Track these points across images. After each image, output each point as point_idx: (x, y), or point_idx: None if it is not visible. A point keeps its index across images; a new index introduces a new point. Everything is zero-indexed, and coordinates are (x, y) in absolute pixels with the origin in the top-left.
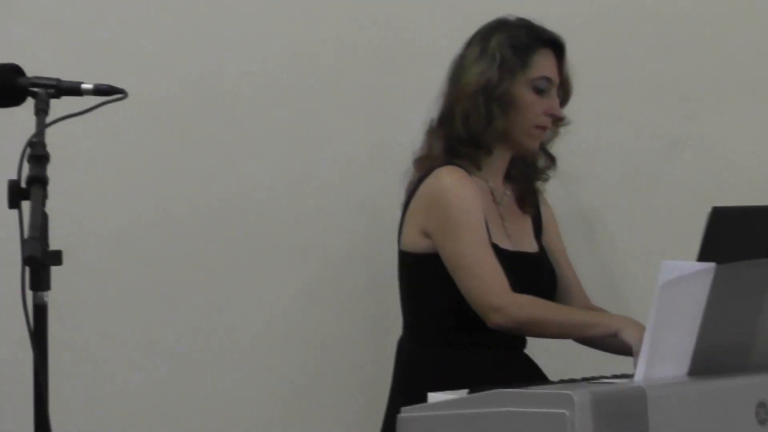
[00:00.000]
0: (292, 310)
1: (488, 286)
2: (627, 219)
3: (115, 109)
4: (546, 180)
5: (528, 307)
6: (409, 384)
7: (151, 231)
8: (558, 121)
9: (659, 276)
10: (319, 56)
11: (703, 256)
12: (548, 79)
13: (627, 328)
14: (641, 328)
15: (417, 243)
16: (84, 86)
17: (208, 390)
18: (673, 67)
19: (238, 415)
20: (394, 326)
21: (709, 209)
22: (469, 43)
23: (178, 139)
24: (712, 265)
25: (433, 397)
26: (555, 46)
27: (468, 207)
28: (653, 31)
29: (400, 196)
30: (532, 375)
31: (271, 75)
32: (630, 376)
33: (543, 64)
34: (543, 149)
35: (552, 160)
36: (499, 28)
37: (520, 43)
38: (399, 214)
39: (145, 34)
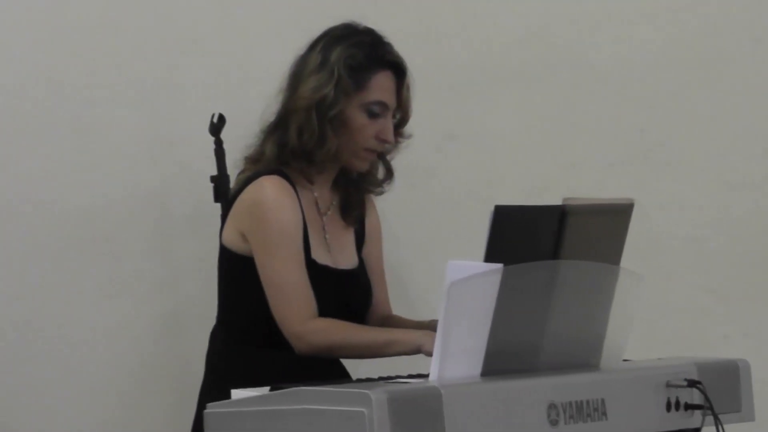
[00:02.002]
0: (93, 306)
1: (292, 311)
2: (406, 216)
3: None
4: (381, 193)
5: (327, 333)
6: (218, 377)
7: None
8: (389, 144)
9: (446, 276)
10: None
11: (489, 256)
12: (383, 104)
13: (427, 343)
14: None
15: (236, 243)
16: None
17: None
18: (441, 57)
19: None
20: (199, 320)
21: (486, 203)
22: (312, 48)
23: None
24: (499, 265)
25: (236, 393)
26: (395, 68)
27: (285, 223)
28: (419, 23)
29: (186, 192)
30: (337, 374)
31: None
32: (426, 376)
33: (380, 88)
34: (383, 161)
35: (390, 173)
36: (342, 39)
37: (358, 64)
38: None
39: None
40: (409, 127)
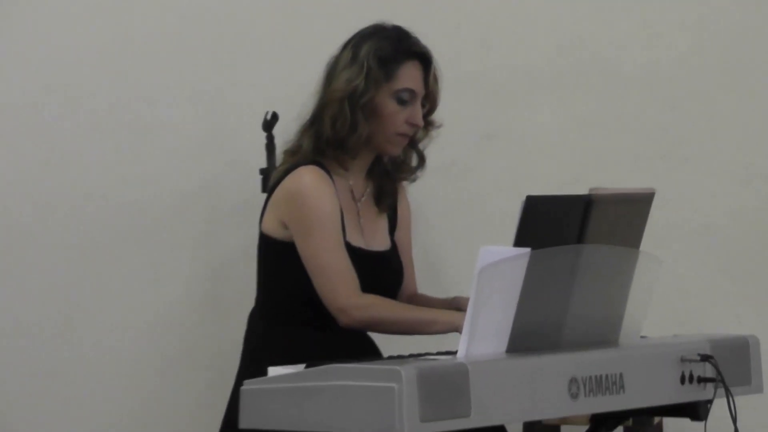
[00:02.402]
0: (147, 289)
1: (336, 288)
2: (444, 207)
3: None
4: (414, 180)
5: (370, 309)
6: (255, 357)
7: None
8: (418, 128)
9: (478, 260)
10: None
11: (518, 242)
12: (411, 91)
13: (461, 322)
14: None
15: (276, 230)
16: None
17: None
18: (486, 64)
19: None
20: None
21: (520, 196)
22: (344, 47)
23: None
24: (527, 250)
25: (273, 371)
26: (422, 58)
27: (323, 209)
28: (469, 32)
29: (236, 183)
30: (369, 352)
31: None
32: (454, 353)
33: (407, 76)
34: (416, 150)
35: (423, 160)
36: (371, 36)
37: (387, 55)
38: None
39: None
40: (451, 126)
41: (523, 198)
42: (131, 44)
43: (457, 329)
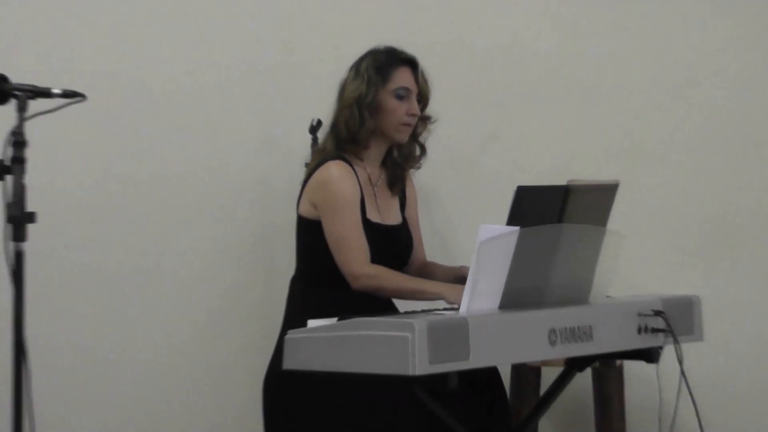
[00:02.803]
0: (207, 260)
1: (350, 259)
2: (454, 194)
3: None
4: (418, 168)
5: (376, 278)
6: (296, 312)
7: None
8: (418, 118)
9: (478, 236)
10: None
11: (510, 222)
12: (406, 88)
13: (447, 292)
14: (457, 290)
15: (309, 211)
16: (53, 91)
17: (143, 318)
18: (489, 79)
19: (164, 333)
20: (286, 271)
21: (513, 186)
22: (349, 70)
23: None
24: (517, 228)
25: (312, 323)
26: (410, 63)
27: (345, 195)
28: (468, 56)
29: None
30: (388, 309)
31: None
32: (457, 310)
33: (401, 77)
34: (418, 142)
35: (424, 150)
36: (368, 55)
37: (382, 64)
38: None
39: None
40: (461, 128)
41: (515, 187)
42: (211, 67)
43: (444, 298)
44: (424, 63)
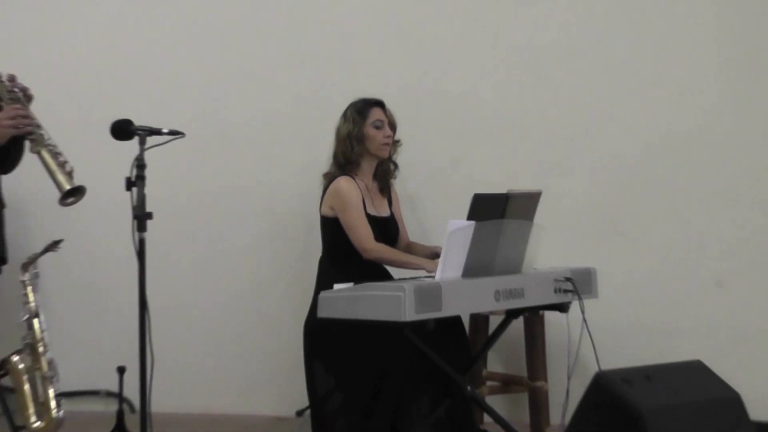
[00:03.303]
0: (264, 246)
1: (360, 238)
2: (431, 199)
3: (177, 141)
4: (394, 178)
5: (379, 252)
6: (325, 280)
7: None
8: (393, 142)
9: (448, 228)
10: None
11: (470, 217)
12: (380, 120)
13: (426, 264)
14: (434, 263)
15: (328, 212)
16: (162, 130)
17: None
18: (454, 115)
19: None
20: (314, 254)
21: (472, 195)
22: (340, 117)
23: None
24: (473, 222)
25: (337, 286)
26: (380, 104)
27: (351, 198)
28: (441, 98)
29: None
30: (387, 276)
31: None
32: (433, 277)
33: (375, 114)
34: (392, 161)
35: (396, 166)
36: (350, 106)
37: (360, 108)
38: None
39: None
40: (434, 154)
41: (473, 195)
42: (275, 114)
43: (424, 269)
44: (406, 104)
